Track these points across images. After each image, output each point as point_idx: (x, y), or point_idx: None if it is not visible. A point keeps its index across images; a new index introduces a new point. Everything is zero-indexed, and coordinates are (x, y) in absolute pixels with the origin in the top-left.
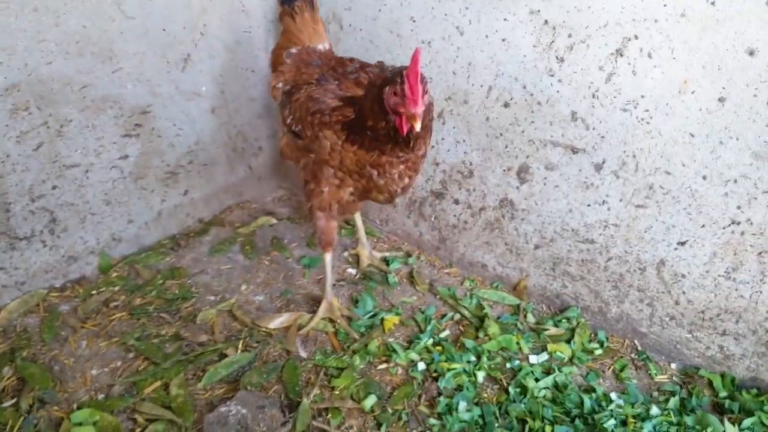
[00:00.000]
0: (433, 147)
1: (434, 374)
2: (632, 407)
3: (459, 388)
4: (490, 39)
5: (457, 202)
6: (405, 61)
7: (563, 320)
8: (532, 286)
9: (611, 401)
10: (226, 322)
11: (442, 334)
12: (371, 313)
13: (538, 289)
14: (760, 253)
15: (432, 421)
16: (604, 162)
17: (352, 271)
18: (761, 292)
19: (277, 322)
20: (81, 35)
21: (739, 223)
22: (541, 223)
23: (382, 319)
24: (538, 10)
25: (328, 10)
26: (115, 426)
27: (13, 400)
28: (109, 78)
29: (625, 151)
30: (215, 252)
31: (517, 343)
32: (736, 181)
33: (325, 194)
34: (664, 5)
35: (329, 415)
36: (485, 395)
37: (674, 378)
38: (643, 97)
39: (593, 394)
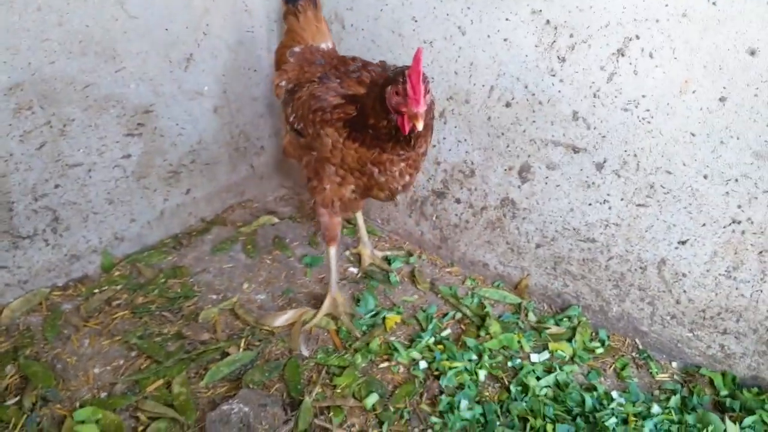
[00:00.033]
0: (434, 146)
1: (436, 373)
2: (633, 406)
3: (460, 386)
4: (492, 39)
5: (458, 201)
6: (407, 60)
7: (564, 319)
8: (533, 285)
9: (612, 400)
10: (228, 321)
11: (444, 333)
12: (373, 312)
13: (539, 288)
14: (760, 252)
15: (434, 419)
16: (605, 161)
17: (353, 270)
18: (762, 291)
19: (281, 320)
20: (84, 34)
21: (739, 222)
22: (542, 223)
23: (384, 318)
24: (540, 10)
25: (330, 9)
26: (117, 424)
27: (16, 399)
28: (112, 77)
29: (626, 151)
30: (217, 251)
31: (519, 342)
32: (736, 180)
33: (328, 191)
34: (666, 5)
35: (331, 414)
36: (487, 394)
37: (675, 377)
38: (644, 96)
39: (594, 393)
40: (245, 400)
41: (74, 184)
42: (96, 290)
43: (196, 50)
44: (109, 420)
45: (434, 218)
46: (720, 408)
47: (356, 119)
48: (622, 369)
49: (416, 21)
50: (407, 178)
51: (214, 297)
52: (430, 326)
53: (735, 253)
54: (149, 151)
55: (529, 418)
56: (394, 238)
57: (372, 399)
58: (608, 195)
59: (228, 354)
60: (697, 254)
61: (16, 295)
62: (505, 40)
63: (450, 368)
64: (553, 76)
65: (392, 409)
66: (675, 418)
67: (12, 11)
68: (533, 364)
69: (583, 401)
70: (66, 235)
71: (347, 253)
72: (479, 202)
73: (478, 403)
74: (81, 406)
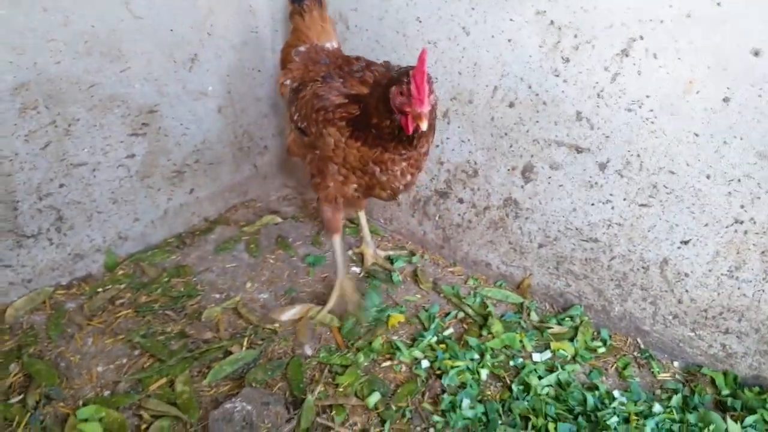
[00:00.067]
0: (437, 146)
1: (438, 372)
2: (635, 405)
3: (462, 385)
4: (496, 39)
5: (461, 201)
6: (411, 61)
7: (566, 318)
8: (535, 284)
9: (614, 399)
10: (231, 320)
11: (446, 332)
12: (380, 307)
13: (541, 287)
14: (763, 252)
15: (435, 418)
16: (608, 161)
17: (356, 269)
18: (764, 291)
19: (288, 315)
20: (89, 35)
21: (742, 222)
22: (545, 222)
23: (388, 316)
24: (545, 11)
25: (335, 10)
26: (120, 422)
27: (20, 397)
28: (117, 77)
29: (629, 151)
30: (220, 250)
31: (521, 341)
32: (739, 180)
33: (331, 188)
34: (670, 6)
35: (333, 412)
36: (488, 393)
37: (677, 376)
38: (648, 97)
39: (596, 392)
40: (248, 399)
41: (78, 184)
42: (99, 289)
43: (200, 50)
44: (113, 418)
45: (437, 218)
46: (721, 407)
47: (359, 118)
48: (624, 368)
49: (420, 21)
50: (408, 177)
51: (217, 296)
52: (433, 325)
53: (737, 253)
54: (153, 151)
55: (531, 417)
56: (396, 238)
57: (374, 398)
58: (611, 195)
59: (231, 353)
60: (700, 254)
61: (20, 293)
62: (509, 40)
63: (452, 367)
64: (557, 76)
65: (394, 407)
66: (676, 417)
67: (18, 11)
68: (535, 363)
69: (585, 400)
70: (70, 234)
71: (350, 252)
72: (482, 201)
73: (480, 402)
74: (84, 405)
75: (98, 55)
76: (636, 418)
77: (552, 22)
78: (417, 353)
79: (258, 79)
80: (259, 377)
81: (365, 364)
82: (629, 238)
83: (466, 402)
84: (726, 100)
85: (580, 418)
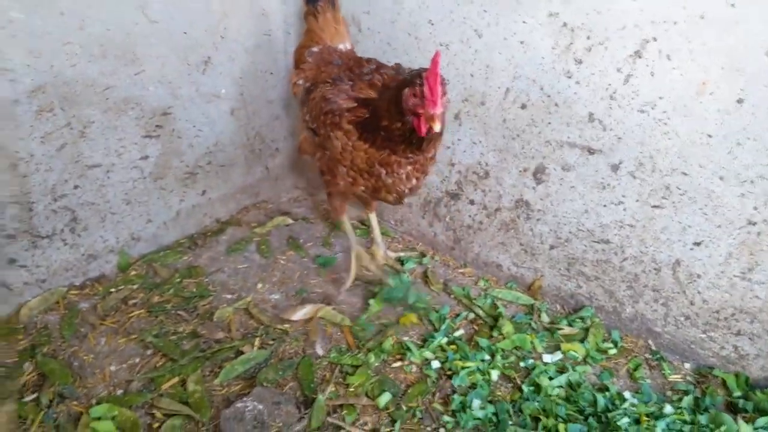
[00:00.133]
0: (448, 148)
1: (448, 372)
2: (646, 406)
3: (473, 386)
4: (509, 41)
5: (472, 202)
6: (423, 63)
7: (577, 320)
8: (546, 286)
9: (625, 400)
10: (243, 320)
11: (457, 333)
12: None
13: (552, 289)
14: None
15: (446, 418)
16: (620, 163)
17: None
18: None
19: (299, 314)
20: (105, 38)
21: (755, 224)
22: (556, 224)
23: (399, 316)
24: (557, 13)
25: (347, 13)
26: (133, 421)
27: (34, 395)
28: (132, 80)
29: (642, 152)
30: (232, 251)
31: (531, 343)
32: (752, 181)
33: (341, 186)
34: (684, 7)
35: (344, 412)
36: (499, 393)
37: (688, 377)
38: (661, 98)
39: (607, 393)
40: (259, 398)
41: (93, 185)
42: (112, 289)
43: (214, 53)
44: (125, 417)
45: (448, 219)
46: (732, 409)
47: (368, 121)
48: (635, 370)
49: (433, 24)
50: (414, 181)
51: (229, 296)
52: (443, 326)
53: (750, 255)
54: (166, 153)
55: (542, 417)
56: (407, 239)
57: (385, 398)
58: (623, 196)
59: (242, 352)
60: (712, 255)
61: (35, 293)
62: (521, 42)
63: (462, 368)
64: (570, 78)
65: (405, 408)
66: (687, 418)
67: (35, 15)
68: (546, 364)
69: (596, 401)
70: (84, 235)
71: None
72: (493, 203)
73: (490, 402)
74: (97, 403)
75: (113, 58)
76: (647, 419)
77: (565, 24)
78: (427, 354)
79: (270, 82)
80: (271, 377)
81: (376, 364)
82: (641, 239)
83: (476, 402)
84: (740, 101)
85: (590, 419)
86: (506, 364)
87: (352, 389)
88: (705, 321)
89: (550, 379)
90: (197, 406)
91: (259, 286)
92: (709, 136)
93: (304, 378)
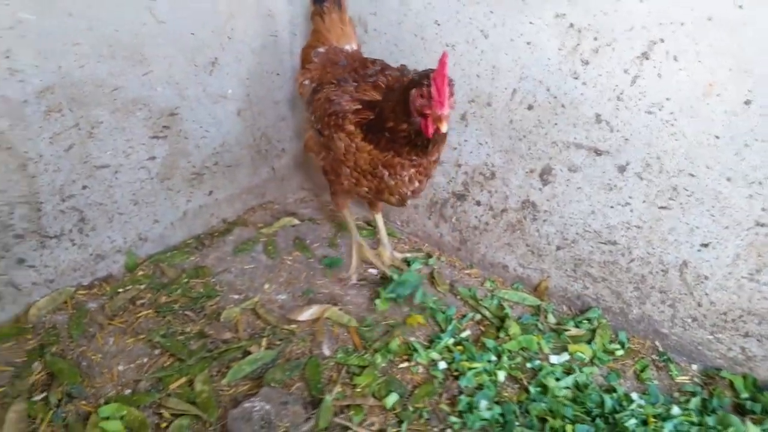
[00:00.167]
0: (455, 149)
1: (455, 373)
2: (653, 407)
3: (480, 387)
4: (515, 42)
5: (478, 203)
6: (429, 64)
7: (584, 321)
8: (553, 287)
9: (632, 401)
10: (250, 320)
11: (463, 334)
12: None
13: (559, 290)
14: None
15: (453, 419)
16: (627, 164)
17: (373, 271)
18: None
19: (306, 314)
20: (113, 39)
21: (763, 225)
22: (563, 225)
23: (406, 317)
24: (564, 14)
25: (354, 14)
26: (141, 420)
27: (43, 395)
28: (140, 81)
29: (649, 153)
30: (239, 252)
31: (538, 344)
32: (760, 183)
33: (345, 186)
34: (691, 9)
35: (351, 412)
36: (506, 394)
37: (695, 379)
38: (668, 99)
39: (614, 394)
40: (267, 398)
41: (101, 185)
42: (120, 289)
43: (221, 54)
44: (134, 416)
45: (454, 220)
46: (740, 411)
47: (373, 122)
48: (642, 371)
49: (439, 25)
50: (417, 184)
51: (236, 297)
52: (450, 327)
53: (758, 256)
54: (174, 153)
55: (549, 418)
56: (413, 240)
57: (392, 398)
58: (630, 197)
59: (249, 353)
60: (720, 257)
61: (43, 293)
62: (528, 43)
63: (469, 369)
64: (576, 79)
65: (411, 408)
66: (695, 419)
67: (44, 16)
68: (552, 365)
69: (603, 402)
70: (92, 235)
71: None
72: (499, 204)
73: (497, 403)
74: (106, 403)
75: (121, 58)
76: (654, 420)
77: (572, 25)
78: (434, 355)
79: (276, 83)
80: (278, 377)
81: (382, 365)
82: (648, 240)
83: (483, 403)
84: (747, 102)
85: (597, 420)
86: (513, 365)
87: (359, 390)
88: (712, 322)
89: (557, 380)
90: (205, 406)
91: (266, 286)
92: (717, 137)
93: (311, 378)
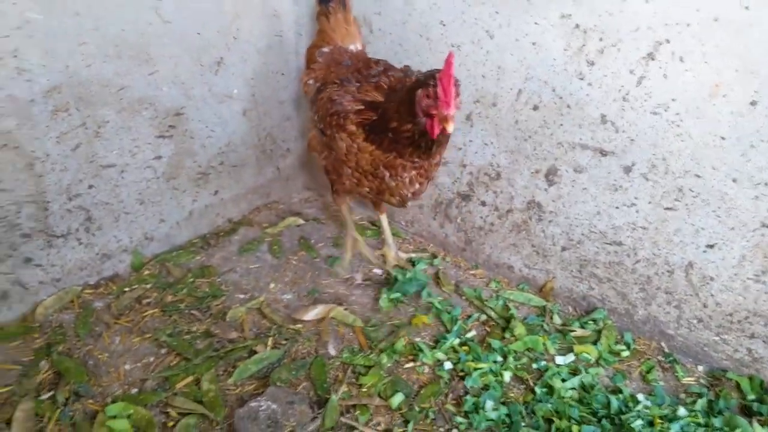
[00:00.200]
0: (460, 149)
1: (461, 374)
2: (659, 408)
3: (485, 387)
4: (521, 43)
5: (483, 204)
6: (434, 64)
7: (590, 322)
8: (558, 287)
9: (638, 402)
10: (256, 320)
11: (469, 335)
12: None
13: (564, 290)
14: None
15: (459, 419)
16: (633, 165)
17: (378, 271)
18: None
19: (311, 314)
20: (120, 39)
21: None
22: (568, 225)
23: (411, 317)
24: (570, 15)
25: (359, 14)
26: (148, 419)
27: (50, 393)
28: (146, 80)
29: (654, 154)
30: (244, 251)
31: (544, 344)
32: (766, 184)
33: (347, 185)
34: (697, 10)
35: (357, 412)
36: (512, 395)
37: (701, 380)
38: (674, 100)
39: (620, 395)
40: (273, 398)
41: (107, 185)
42: (126, 289)
43: (226, 54)
44: (140, 415)
45: (459, 221)
46: (747, 412)
47: (376, 122)
48: (648, 372)
49: (444, 25)
50: (417, 186)
51: (242, 296)
52: (455, 328)
53: (764, 257)
54: (179, 153)
55: (555, 419)
56: (418, 240)
57: (397, 398)
58: (636, 198)
59: (255, 352)
60: (726, 258)
61: (50, 292)
62: (533, 44)
63: (475, 369)
64: (582, 79)
65: (417, 408)
66: (702, 421)
67: (51, 16)
68: (558, 366)
69: (609, 403)
70: (98, 235)
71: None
72: (505, 204)
73: (503, 403)
74: (113, 402)
75: (128, 58)
76: (660, 421)
77: (577, 26)
78: (440, 355)
79: (282, 83)
80: (284, 377)
81: (388, 365)
82: (654, 241)
83: (489, 404)
84: (753, 103)
85: (603, 421)
86: (519, 366)
87: (364, 389)
88: (718, 324)
89: (563, 381)
90: (211, 405)
91: (272, 286)
92: (722, 138)
93: (317, 378)
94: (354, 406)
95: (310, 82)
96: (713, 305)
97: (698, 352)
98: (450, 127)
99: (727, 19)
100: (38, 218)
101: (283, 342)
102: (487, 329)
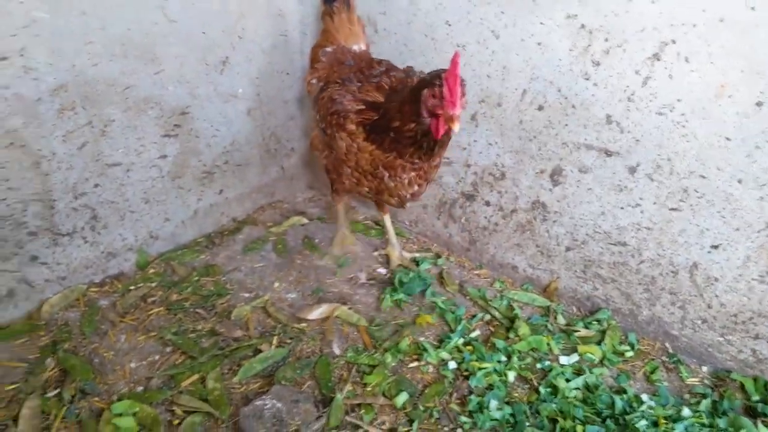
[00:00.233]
0: (464, 149)
1: (465, 373)
2: (663, 409)
3: (490, 387)
4: (526, 43)
5: (488, 203)
6: (439, 64)
7: (594, 322)
8: (562, 287)
9: (642, 402)
10: (260, 319)
11: (473, 334)
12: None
13: (568, 291)
14: None
15: (463, 418)
16: (638, 165)
17: (382, 271)
18: None
19: (316, 313)
20: (126, 38)
21: None
22: (573, 226)
23: (415, 317)
24: (575, 15)
25: (363, 14)
26: (154, 417)
27: (56, 391)
28: (151, 79)
29: (659, 155)
30: (249, 250)
31: (548, 344)
32: None
33: (346, 185)
34: (703, 10)
35: (362, 411)
36: (516, 394)
37: (705, 381)
38: (679, 101)
39: (624, 396)
40: (278, 396)
41: (113, 184)
42: (132, 287)
43: (231, 53)
44: (146, 413)
45: (463, 220)
46: (751, 413)
47: (378, 122)
48: (652, 372)
49: (450, 25)
50: (416, 187)
51: (246, 295)
52: (459, 327)
53: None
54: (185, 152)
55: (559, 419)
56: (422, 240)
57: (402, 398)
58: (641, 199)
59: (260, 351)
60: (730, 258)
61: (55, 290)
62: (539, 44)
63: (479, 369)
64: (587, 79)
65: (422, 408)
66: (706, 421)
67: (58, 15)
68: (562, 366)
69: (613, 403)
70: (103, 233)
71: (376, 254)
72: (509, 204)
73: (507, 403)
74: (118, 399)
75: (133, 57)
76: (665, 422)
77: (583, 26)
78: (444, 354)
79: (286, 82)
80: (289, 375)
81: (392, 364)
82: (658, 242)
83: (493, 403)
84: (759, 104)
85: (608, 421)
86: (523, 366)
87: (369, 389)
88: (722, 324)
89: (567, 381)
90: (217, 404)
91: (276, 285)
92: (728, 139)
93: (321, 377)
94: (359, 405)
95: (314, 81)
96: (718, 306)
97: (702, 353)
98: (456, 127)
99: (733, 19)
100: (44, 216)
101: (288, 341)
102: (492, 329)
